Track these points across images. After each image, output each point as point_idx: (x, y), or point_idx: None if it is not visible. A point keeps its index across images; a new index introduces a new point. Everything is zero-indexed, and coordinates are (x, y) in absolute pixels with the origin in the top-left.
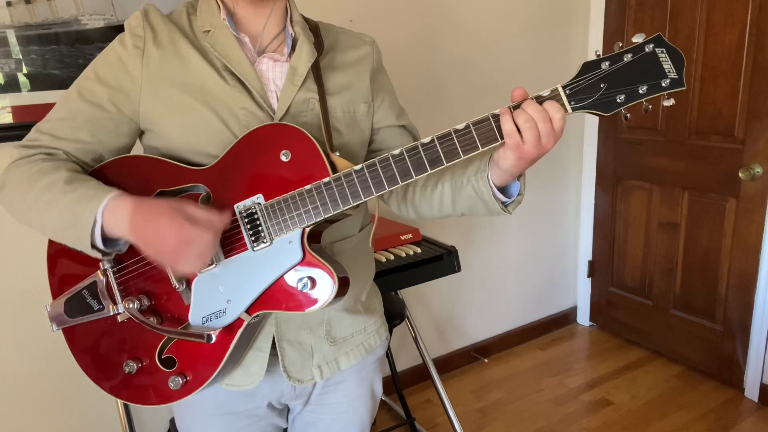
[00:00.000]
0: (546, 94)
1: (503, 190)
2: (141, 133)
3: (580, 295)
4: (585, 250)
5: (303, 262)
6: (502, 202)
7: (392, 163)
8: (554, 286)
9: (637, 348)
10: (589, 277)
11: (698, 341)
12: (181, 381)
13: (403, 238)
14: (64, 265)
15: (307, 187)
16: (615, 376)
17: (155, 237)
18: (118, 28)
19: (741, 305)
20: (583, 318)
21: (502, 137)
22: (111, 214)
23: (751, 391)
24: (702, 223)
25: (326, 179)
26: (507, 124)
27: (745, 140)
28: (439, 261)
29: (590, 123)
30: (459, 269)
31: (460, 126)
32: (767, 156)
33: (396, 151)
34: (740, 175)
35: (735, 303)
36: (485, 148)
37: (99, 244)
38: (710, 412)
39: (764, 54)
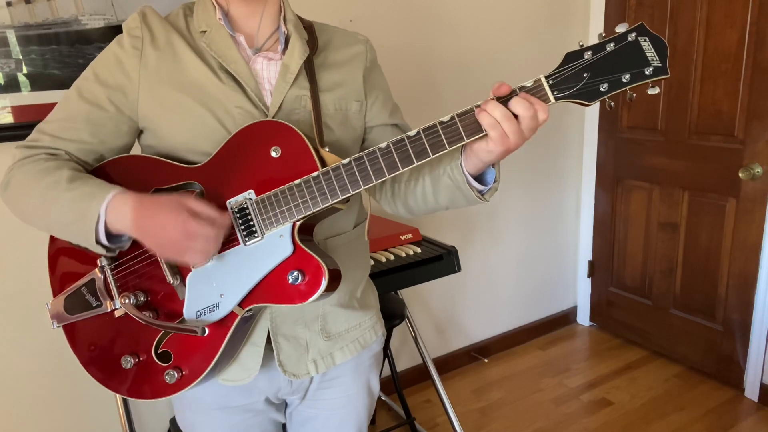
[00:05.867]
0: (529, 85)
1: (480, 178)
2: (139, 133)
3: (580, 295)
4: (585, 250)
5: (294, 255)
6: (479, 191)
7: (379, 156)
8: (554, 286)
9: (637, 348)
10: (589, 277)
11: (698, 341)
12: (176, 375)
13: (403, 238)
14: (64, 263)
15: (297, 181)
16: (615, 376)
17: (160, 231)
18: (118, 29)
19: (741, 305)
20: (583, 318)
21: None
22: (114, 210)
23: (751, 391)
24: (702, 223)
25: (315, 173)
26: (485, 119)
27: (745, 140)
28: (439, 261)
29: (590, 122)
30: (459, 269)
31: (446, 118)
32: (767, 156)
33: (383, 145)
34: (740, 175)
35: (735, 303)
36: (470, 139)
37: (103, 239)
38: (710, 412)
39: (764, 54)
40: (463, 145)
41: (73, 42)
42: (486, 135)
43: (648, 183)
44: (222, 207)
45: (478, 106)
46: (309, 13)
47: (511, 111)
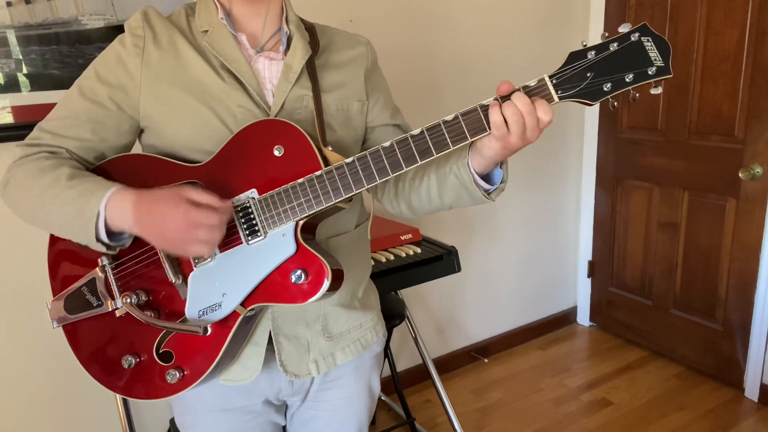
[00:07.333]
0: (533, 84)
1: (487, 178)
2: (140, 132)
3: (580, 295)
4: (585, 250)
5: (296, 254)
6: (486, 190)
7: (383, 155)
8: (554, 286)
9: (637, 348)
10: (589, 277)
11: (698, 341)
12: (178, 375)
13: (403, 238)
14: (64, 263)
15: (300, 180)
16: (615, 376)
17: (161, 225)
18: (118, 28)
19: (741, 305)
20: (583, 318)
21: (490, 127)
22: (114, 208)
23: (751, 391)
24: (702, 223)
25: (318, 172)
26: (495, 116)
27: (745, 140)
28: (439, 261)
29: (590, 122)
30: (459, 269)
31: (449, 117)
32: (767, 156)
33: (386, 144)
34: (740, 175)
35: (735, 303)
36: (474, 138)
37: (103, 237)
38: (710, 412)
39: (764, 54)
40: (469, 144)
41: (73, 42)
42: (490, 134)
43: (648, 183)
44: (230, 201)
45: (483, 106)
46: (309, 13)
47: (515, 106)
